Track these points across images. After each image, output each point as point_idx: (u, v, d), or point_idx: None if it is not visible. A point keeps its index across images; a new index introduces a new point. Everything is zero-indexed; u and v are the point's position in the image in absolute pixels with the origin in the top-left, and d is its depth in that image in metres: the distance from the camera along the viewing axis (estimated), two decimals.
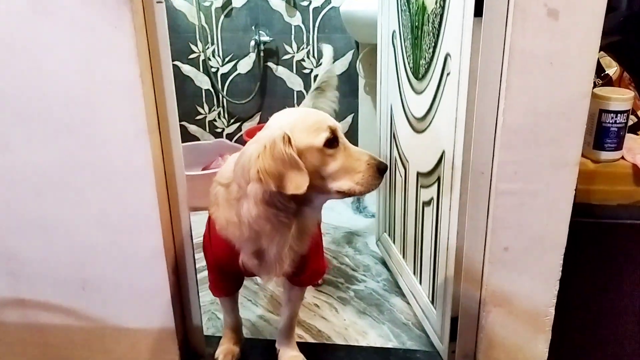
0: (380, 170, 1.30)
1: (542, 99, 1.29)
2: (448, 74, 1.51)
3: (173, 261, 1.63)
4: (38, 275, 1.64)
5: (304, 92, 3.25)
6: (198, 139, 3.44)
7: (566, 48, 1.24)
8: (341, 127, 1.31)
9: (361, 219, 2.88)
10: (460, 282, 1.55)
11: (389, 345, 1.87)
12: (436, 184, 1.67)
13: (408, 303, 2.08)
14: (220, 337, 1.81)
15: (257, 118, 3.35)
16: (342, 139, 1.30)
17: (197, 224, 1.72)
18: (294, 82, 3.27)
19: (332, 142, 1.27)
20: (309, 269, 1.55)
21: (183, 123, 3.34)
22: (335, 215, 2.86)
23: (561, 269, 1.42)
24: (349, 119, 3.29)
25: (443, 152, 1.58)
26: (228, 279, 1.61)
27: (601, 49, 1.63)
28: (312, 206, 1.37)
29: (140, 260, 1.57)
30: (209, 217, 1.49)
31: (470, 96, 1.37)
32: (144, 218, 1.52)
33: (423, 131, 1.75)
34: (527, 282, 1.46)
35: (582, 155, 1.40)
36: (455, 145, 1.48)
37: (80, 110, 1.41)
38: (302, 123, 1.28)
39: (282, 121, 1.31)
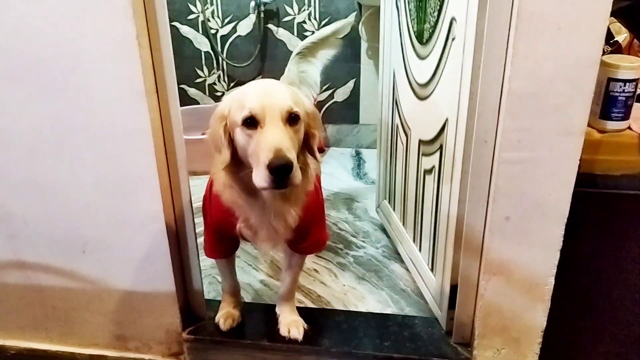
0: (273, 171, 1.17)
1: (549, 65, 1.25)
2: (453, 39, 1.48)
3: (173, 225, 1.62)
4: (37, 237, 1.64)
5: None
6: (198, 103, 3.40)
7: (576, 11, 1.20)
8: (276, 108, 1.24)
9: (361, 185, 2.88)
10: (460, 250, 1.55)
11: (388, 311, 1.89)
12: (438, 152, 1.65)
13: (407, 270, 2.09)
14: (220, 301, 1.82)
15: None
16: (265, 121, 1.23)
17: (197, 189, 1.71)
18: (295, 45, 3.17)
19: (250, 122, 1.24)
20: (311, 239, 1.55)
21: (182, 86, 3.29)
22: (335, 181, 2.86)
23: (562, 239, 1.41)
24: (351, 84, 3.24)
25: (446, 120, 1.55)
26: (224, 241, 1.61)
27: (611, 14, 1.59)
28: None
29: (139, 223, 1.57)
30: (210, 179, 1.49)
31: (476, 62, 1.33)
32: (142, 181, 1.51)
33: (426, 98, 1.72)
34: (527, 252, 1.45)
35: (588, 125, 1.38)
36: (459, 112, 1.45)
37: (72, 70, 1.38)
38: (241, 97, 1.28)
39: (234, 93, 1.33)
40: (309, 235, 1.55)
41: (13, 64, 1.40)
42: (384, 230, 2.38)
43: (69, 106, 1.43)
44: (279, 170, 1.16)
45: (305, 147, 1.36)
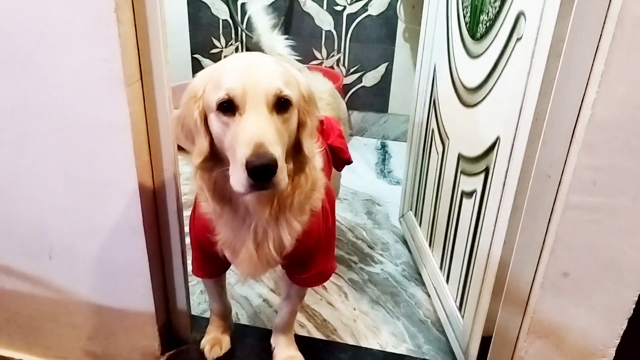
0: (251, 173, 0.91)
1: None
2: (518, 39, 1.16)
3: (155, 237, 1.37)
4: None
5: (334, 32, 2.87)
6: None
7: None
8: (260, 90, 0.95)
9: (384, 185, 2.58)
10: (499, 300, 1.26)
11: (403, 347, 1.62)
12: (482, 175, 1.34)
13: (428, 295, 1.81)
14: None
15: None
16: (246, 107, 0.95)
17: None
18: (324, 20, 2.88)
19: (227, 106, 0.96)
20: (313, 270, 1.28)
21: (196, 56, 3.00)
22: (355, 178, 2.56)
23: (634, 306, 1.12)
24: (382, 68, 2.91)
25: (498, 139, 1.25)
26: (211, 260, 1.33)
27: None
28: None
29: (113, 232, 1.32)
30: None
31: (548, 74, 1.03)
32: (117, 184, 1.25)
33: (473, 106, 1.40)
34: (585, 316, 1.16)
35: None
36: (517, 133, 1.14)
37: (36, 45, 1.11)
38: (218, 73, 1.00)
39: (210, 69, 1.05)
40: (312, 266, 1.28)
41: None
42: (405, 242, 2.10)
43: (31, 89, 1.16)
44: (259, 171, 0.90)
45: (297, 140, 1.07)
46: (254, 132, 0.92)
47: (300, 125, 1.05)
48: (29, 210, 1.33)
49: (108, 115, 1.16)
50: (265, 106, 0.95)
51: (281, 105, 0.98)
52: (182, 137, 1.07)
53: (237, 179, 0.93)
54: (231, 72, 0.98)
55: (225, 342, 1.52)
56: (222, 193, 1.08)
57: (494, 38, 1.28)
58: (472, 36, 1.40)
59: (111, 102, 1.14)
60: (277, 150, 0.92)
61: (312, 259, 1.26)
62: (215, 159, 1.05)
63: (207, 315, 1.64)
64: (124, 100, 1.13)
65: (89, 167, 1.24)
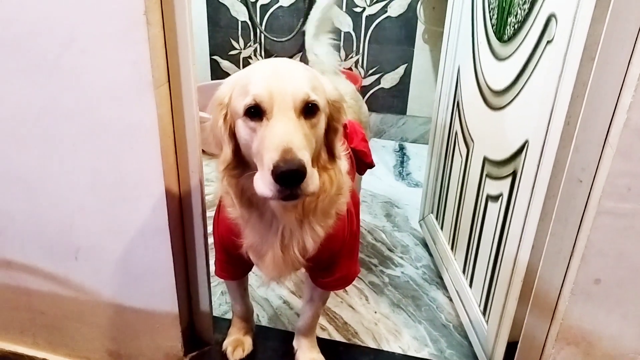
0: (279, 178, 0.89)
1: None
2: (549, 42, 1.14)
3: (180, 238, 1.37)
4: (26, 236, 1.40)
5: (353, 33, 2.86)
6: None
7: None
8: (288, 95, 0.95)
9: (403, 187, 2.57)
10: (526, 305, 1.25)
11: (425, 351, 1.61)
12: (509, 179, 1.33)
13: (450, 299, 1.80)
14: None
15: (297, 59, 2.98)
16: (273, 112, 0.95)
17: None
18: (343, 22, 2.87)
19: (254, 112, 0.96)
20: (337, 273, 1.27)
21: (215, 57, 3.01)
22: (373, 180, 2.55)
23: None
24: (401, 70, 2.90)
25: (526, 142, 1.23)
26: (233, 261, 1.33)
27: None
28: None
29: (139, 234, 1.32)
30: None
31: (581, 77, 1.01)
32: (144, 186, 1.25)
33: (500, 108, 1.39)
34: (616, 323, 1.15)
35: None
36: (548, 137, 1.13)
37: (65, 48, 1.11)
38: (245, 80, 1.00)
39: (236, 76, 1.06)
40: (336, 269, 1.27)
41: None
42: (425, 245, 2.09)
43: (60, 91, 1.16)
44: (287, 176, 0.89)
45: (326, 145, 1.07)
46: (282, 137, 0.91)
47: (328, 130, 1.05)
48: (56, 211, 1.34)
49: (136, 118, 1.16)
50: (293, 111, 0.95)
51: (309, 110, 0.97)
52: (214, 145, 1.08)
53: (263, 184, 0.92)
54: (258, 78, 0.97)
55: (248, 344, 1.52)
56: (249, 198, 1.08)
57: (523, 40, 1.26)
58: (499, 38, 1.39)
59: (139, 105, 1.14)
60: (305, 155, 0.91)
61: (336, 262, 1.26)
62: (243, 165, 1.05)
63: (228, 316, 1.65)
64: (152, 102, 1.13)
65: (116, 169, 1.24)
